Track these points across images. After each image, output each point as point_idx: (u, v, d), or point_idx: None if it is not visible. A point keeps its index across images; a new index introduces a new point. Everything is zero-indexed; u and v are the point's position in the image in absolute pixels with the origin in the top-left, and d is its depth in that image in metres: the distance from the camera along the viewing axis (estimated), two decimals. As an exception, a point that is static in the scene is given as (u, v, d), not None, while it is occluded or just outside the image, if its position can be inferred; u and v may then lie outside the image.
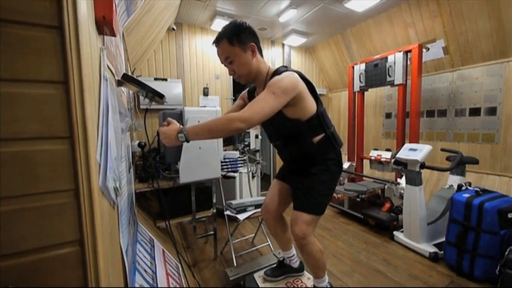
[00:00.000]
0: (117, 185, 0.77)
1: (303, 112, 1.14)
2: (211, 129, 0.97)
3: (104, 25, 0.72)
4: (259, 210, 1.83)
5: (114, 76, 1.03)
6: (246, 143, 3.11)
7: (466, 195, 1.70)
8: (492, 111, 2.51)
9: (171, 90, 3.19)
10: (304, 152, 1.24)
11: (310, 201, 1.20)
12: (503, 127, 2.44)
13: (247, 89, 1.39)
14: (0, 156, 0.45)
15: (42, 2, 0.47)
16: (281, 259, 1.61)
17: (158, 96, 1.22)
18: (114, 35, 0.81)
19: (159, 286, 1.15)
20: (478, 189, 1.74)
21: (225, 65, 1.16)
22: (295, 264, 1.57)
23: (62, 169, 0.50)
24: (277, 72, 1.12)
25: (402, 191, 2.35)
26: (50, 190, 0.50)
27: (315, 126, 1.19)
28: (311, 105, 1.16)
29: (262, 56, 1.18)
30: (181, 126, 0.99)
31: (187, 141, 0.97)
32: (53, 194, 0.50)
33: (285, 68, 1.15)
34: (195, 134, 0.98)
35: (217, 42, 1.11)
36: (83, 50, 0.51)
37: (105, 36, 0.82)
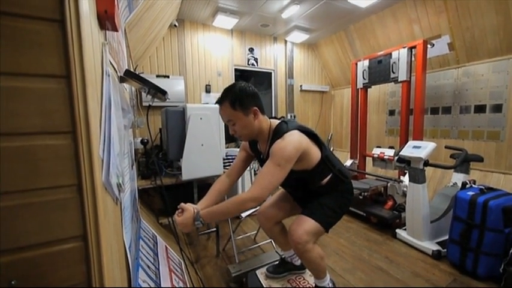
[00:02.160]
0: (120, 181, 0.77)
1: (308, 163, 1.16)
2: (225, 213, 1.06)
3: (106, 20, 0.71)
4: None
5: (116, 72, 1.03)
6: (248, 140, 3.10)
7: (470, 193, 1.68)
8: (498, 108, 2.48)
9: (173, 87, 3.19)
10: (314, 193, 1.27)
11: (319, 210, 1.21)
12: (508, 124, 2.40)
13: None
14: (2, 151, 0.45)
15: (43, -5, 0.47)
16: (283, 256, 1.61)
17: (160, 93, 1.22)
18: (116, 30, 0.81)
19: (161, 282, 1.16)
20: (483, 187, 1.72)
21: (226, 124, 1.18)
22: (297, 262, 1.56)
23: (64, 164, 0.50)
24: (279, 132, 1.11)
25: (405, 189, 2.34)
26: (52, 185, 0.49)
27: (322, 171, 1.21)
28: (316, 155, 1.17)
29: (264, 113, 1.17)
30: (195, 211, 1.05)
31: (203, 224, 1.06)
32: (56, 189, 0.50)
33: (285, 126, 1.13)
34: (210, 218, 1.06)
35: (220, 102, 1.12)
36: (84, 44, 0.51)
37: (107, 32, 0.81)
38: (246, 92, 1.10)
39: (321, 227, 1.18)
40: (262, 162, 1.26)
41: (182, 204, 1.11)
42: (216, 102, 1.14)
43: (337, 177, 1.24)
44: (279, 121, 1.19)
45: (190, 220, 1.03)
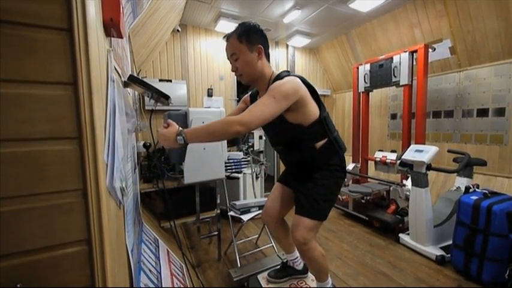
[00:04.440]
0: (124, 185, 0.78)
1: (305, 117, 1.13)
2: (209, 132, 0.97)
3: (111, 27, 0.73)
4: (263, 211, 1.82)
5: (120, 77, 1.04)
6: (250, 144, 3.11)
7: (474, 197, 1.67)
8: (500, 112, 2.46)
9: (176, 91, 3.22)
10: (306, 157, 1.22)
11: (313, 206, 1.18)
12: (512, 128, 2.39)
13: (249, 93, 1.39)
14: (10, 156, 0.46)
15: (52, 5, 0.48)
16: (285, 261, 1.60)
17: (163, 97, 1.23)
18: (121, 37, 0.82)
19: (163, 286, 1.16)
20: (486, 192, 1.71)
21: (230, 61, 1.17)
22: (299, 266, 1.56)
23: (70, 169, 0.51)
24: (279, 76, 1.12)
25: (408, 193, 2.32)
26: (58, 190, 0.50)
27: (318, 132, 1.18)
28: (313, 111, 1.15)
29: (268, 60, 1.18)
30: (180, 128, 0.98)
31: (186, 143, 0.96)
32: (62, 194, 0.51)
33: (287, 73, 1.15)
34: (194, 136, 0.97)
35: (227, 37, 1.13)
36: (91, 52, 0.52)
37: (112, 38, 0.83)
38: (255, 28, 1.11)
39: (317, 221, 1.19)
40: None
41: (169, 120, 1.05)
42: (224, 37, 1.15)
43: (332, 146, 1.21)
44: (281, 71, 1.19)
45: (173, 135, 0.96)
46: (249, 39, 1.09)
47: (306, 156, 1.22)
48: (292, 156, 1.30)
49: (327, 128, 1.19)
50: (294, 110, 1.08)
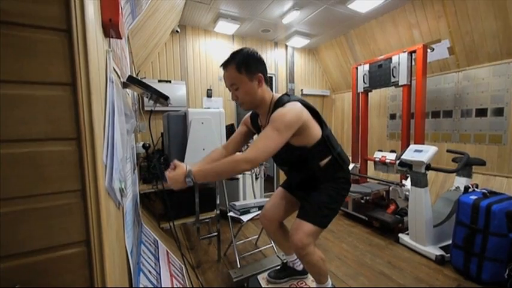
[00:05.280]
0: (123, 186, 0.77)
1: (308, 139, 1.14)
2: (218, 172, 1.01)
3: (110, 28, 0.73)
4: (262, 211, 1.82)
5: (119, 78, 1.04)
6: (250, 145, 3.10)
7: (473, 197, 1.67)
8: (499, 111, 2.47)
9: (175, 92, 3.22)
10: (311, 175, 1.24)
11: (315, 212, 1.18)
12: (510, 128, 2.40)
13: (249, 114, 1.37)
14: (9, 157, 0.46)
15: (50, 6, 0.48)
16: (285, 261, 1.60)
17: (162, 98, 1.23)
18: (120, 38, 0.82)
19: (163, 287, 1.16)
20: (486, 191, 1.71)
21: (229, 90, 1.16)
22: (299, 267, 1.55)
23: (69, 170, 0.51)
24: (280, 102, 1.11)
25: (407, 193, 2.33)
26: (57, 191, 0.50)
27: (321, 150, 1.18)
28: (316, 131, 1.15)
29: (267, 84, 1.17)
30: (188, 168, 1.00)
31: (195, 184, 1.00)
32: (61, 195, 0.50)
33: (287, 98, 1.13)
34: (202, 177, 1.01)
35: (225, 65, 1.10)
36: (90, 53, 0.52)
37: (111, 39, 0.83)
38: (253, 56, 1.09)
39: (318, 227, 1.18)
40: None
41: (176, 161, 1.07)
42: (221, 65, 1.13)
43: (336, 162, 1.21)
44: (280, 94, 1.18)
45: (181, 177, 0.99)
46: (248, 68, 1.07)
47: (311, 174, 1.23)
48: (297, 175, 1.32)
49: (330, 145, 1.20)
50: (298, 134, 1.08)
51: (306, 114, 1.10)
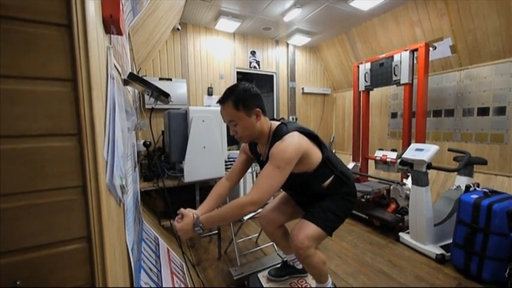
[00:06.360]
0: (124, 183, 0.77)
1: (309, 165, 1.14)
2: (225, 217, 1.04)
3: (111, 24, 0.73)
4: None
5: (120, 75, 1.04)
6: (250, 143, 3.10)
7: (474, 196, 1.67)
8: (501, 110, 2.46)
9: (176, 89, 3.21)
10: (316, 196, 1.25)
11: (321, 216, 1.18)
12: (512, 127, 2.39)
13: None
14: (10, 153, 0.46)
15: (51, 1, 0.48)
16: (285, 259, 1.60)
17: (163, 96, 1.23)
18: (121, 34, 0.82)
19: (163, 284, 1.16)
20: (487, 190, 1.71)
21: (227, 124, 1.16)
22: (299, 266, 1.55)
23: (69, 166, 0.51)
24: (278, 134, 1.10)
25: (408, 192, 2.32)
26: (58, 187, 0.50)
27: (323, 172, 1.19)
28: (316, 156, 1.15)
29: (265, 115, 1.16)
30: (195, 217, 1.04)
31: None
32: (61, 191, 0.50)
33: (285, 128, 1.12)
34: (210, 224, 1.05)
35: (222, 102, 1.10)
36: (91, 48, 0.52)
37: (111, 36, 0.83)
38: (249, 92, 1.08)
39: (323, 231, 1.16)
40: (262, 165, 1.25)
41: (182, 209, 1.10)
42: (218, 102, 1.13)
43: (340, 179, 1.22)
44: (278, 123, 1.18)
45: (190, 226, 1.03)
46: (246, 104, 1.07)
47: (316, 195, 1.25)
48: (302, 198, 1.34)
49: (332, 166, 1.20)
50: (298, 163, 1.08)
51: (305, 143, 1.10)
